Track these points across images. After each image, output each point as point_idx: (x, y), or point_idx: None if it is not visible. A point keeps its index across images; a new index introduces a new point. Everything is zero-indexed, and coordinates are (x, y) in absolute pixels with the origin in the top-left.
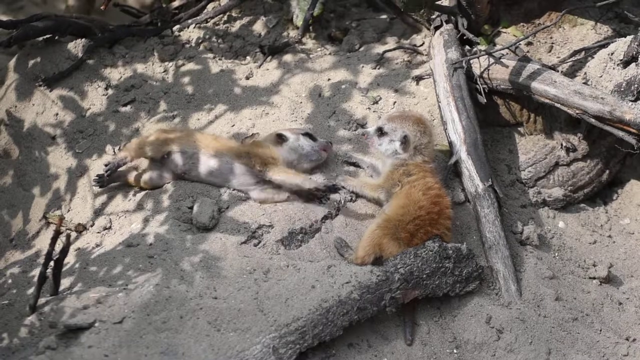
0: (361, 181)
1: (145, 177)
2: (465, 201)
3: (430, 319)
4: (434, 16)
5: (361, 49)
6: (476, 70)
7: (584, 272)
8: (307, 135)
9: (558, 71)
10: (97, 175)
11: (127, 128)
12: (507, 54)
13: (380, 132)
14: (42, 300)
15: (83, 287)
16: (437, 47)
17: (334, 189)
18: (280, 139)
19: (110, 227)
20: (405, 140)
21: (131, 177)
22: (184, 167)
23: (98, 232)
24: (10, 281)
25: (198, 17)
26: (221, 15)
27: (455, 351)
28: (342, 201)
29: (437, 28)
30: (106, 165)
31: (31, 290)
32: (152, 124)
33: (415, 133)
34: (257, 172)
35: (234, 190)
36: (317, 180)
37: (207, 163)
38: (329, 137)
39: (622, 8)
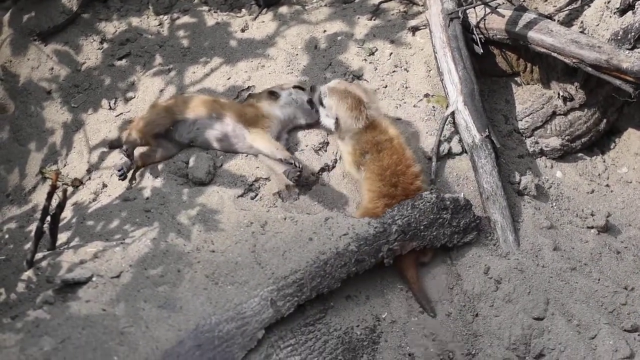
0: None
1: (158, 154)
2: (462, 152)
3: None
4: None
5: (357, 0)
6: (472, 20)
7: (582, 222)
8: (299, 88)
9: (554, 20)
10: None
11: (122, 82)
12: (503, 3)
13: (321, 102)
14: (39, 255)
15: (80, 241)
16: None
17: (293, 166)
18: (272, 95)
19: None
20: (337, 123)
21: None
22: (189, 134)
23: (95, 187)
24: (7, 236)
25: None
26: None
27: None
28: (340, 153)
29: None
30: (119, 171)
31: (28, 245)
32: (147, 78)
33: (348, 115)
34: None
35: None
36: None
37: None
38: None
39: None
